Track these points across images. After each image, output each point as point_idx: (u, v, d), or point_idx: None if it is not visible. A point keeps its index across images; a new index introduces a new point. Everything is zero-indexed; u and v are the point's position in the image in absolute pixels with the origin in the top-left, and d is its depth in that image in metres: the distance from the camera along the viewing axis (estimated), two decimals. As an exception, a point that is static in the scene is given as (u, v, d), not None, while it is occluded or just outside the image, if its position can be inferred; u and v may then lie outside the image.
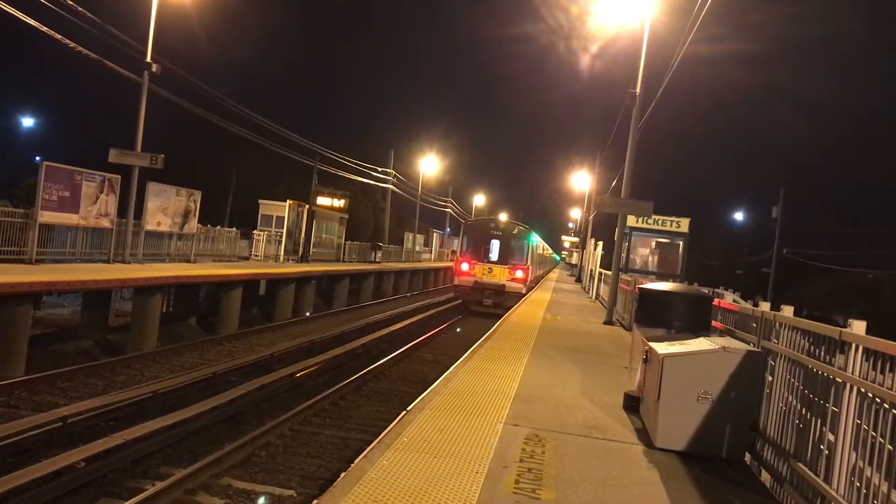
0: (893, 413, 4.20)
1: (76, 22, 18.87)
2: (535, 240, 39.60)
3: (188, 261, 24.51)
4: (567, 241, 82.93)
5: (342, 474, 5.32)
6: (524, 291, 30.75)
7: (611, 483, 5.57)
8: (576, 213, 76.52)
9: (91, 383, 13.00)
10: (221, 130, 31.33)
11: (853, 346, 4.76)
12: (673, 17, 18.19)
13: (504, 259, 31.61)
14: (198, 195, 24.76)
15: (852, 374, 4.74)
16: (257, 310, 26.16)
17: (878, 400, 4.40)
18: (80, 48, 19.28)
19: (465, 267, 31.81)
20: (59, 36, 18.48)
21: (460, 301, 32.79)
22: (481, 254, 31.78)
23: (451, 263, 61.76)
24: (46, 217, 17.88)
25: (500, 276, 31.12)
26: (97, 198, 19.63)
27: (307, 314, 26.99)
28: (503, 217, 59.51)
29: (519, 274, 31.45)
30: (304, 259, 33.82)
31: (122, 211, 21.05)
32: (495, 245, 31.83)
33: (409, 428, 6.56)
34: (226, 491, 8.25)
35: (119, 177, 20.54)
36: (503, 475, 5.46)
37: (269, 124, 32.66)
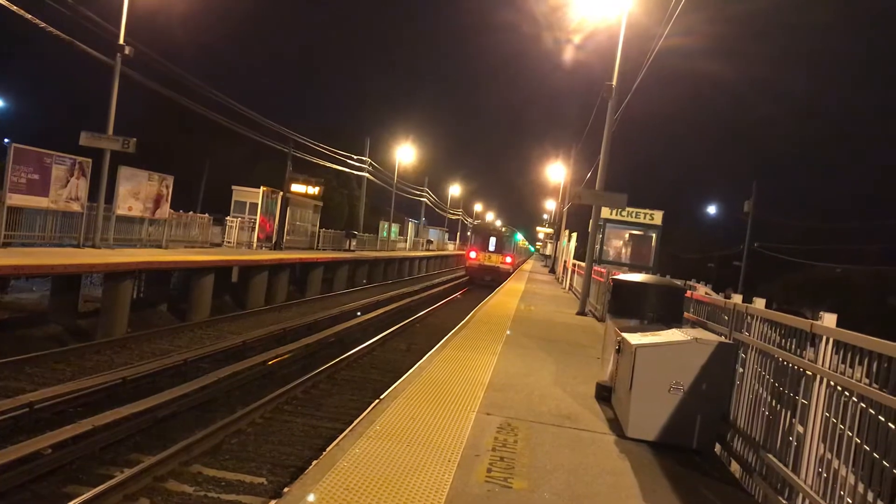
0: (861, 405, 4.25)
1: (47, 1, 18.53)
2: (518, 237, 60.33)
3: (160, 246, 24.26)
4: (542, 232, 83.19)
5: (314, 462, 5.29)
6: (511, 270, 45.43)
7: (582, 472, 5.59)
8: (551, 205, 76.78)
9: (59, 369, 12.82)
10: (195, 115, 31.00)
11: (824, 338, 4.80)
12: (651, 11, 18.26)
13: (498, 250, 46.49)
14: (170, 180, 24.49)
15: (822, 366, 4.78)
16: (229, 297, 25.97)
17: (846, 392, 4.45)
18: (51, 28, 18.93)
19: (473, 255, 47.10)
20: (30, 16, 18.13)
21: (466, 278, 47.89)
22: (483, 246, 46.68)
23: (427, 253, 64.22)
24: (15, 200, 17.60)
25: (496, 261, 46.04)
26: (67, 181, 19.36)
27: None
28: (498, 222, 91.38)
29: (508, 260, 46.88)
30: (277, 246, 33.60)
31: (93, 195, 20.78)
32: (493, 241, 46.80)
33: (382, 416, 6.53)
34: (196, 478, 8.18)
35: (90, 160, 20.26)
36: (475, 464, 5.46)
37: (243, 110, 32.37)
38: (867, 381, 4.24)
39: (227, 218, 32.32)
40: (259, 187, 32.92)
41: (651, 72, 18.68)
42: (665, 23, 16.27)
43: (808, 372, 5.01)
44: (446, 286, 42.68)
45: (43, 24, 18.61)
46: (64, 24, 19.50)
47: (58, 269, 15.79)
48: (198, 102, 29.15)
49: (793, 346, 5.37)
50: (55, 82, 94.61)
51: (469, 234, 58.71)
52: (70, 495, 7.33)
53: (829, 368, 4.71)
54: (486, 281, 43.13)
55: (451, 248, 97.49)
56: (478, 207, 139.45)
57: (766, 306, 6.42)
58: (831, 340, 4.73)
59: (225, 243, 30.72)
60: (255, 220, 32.26)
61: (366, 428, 6.11)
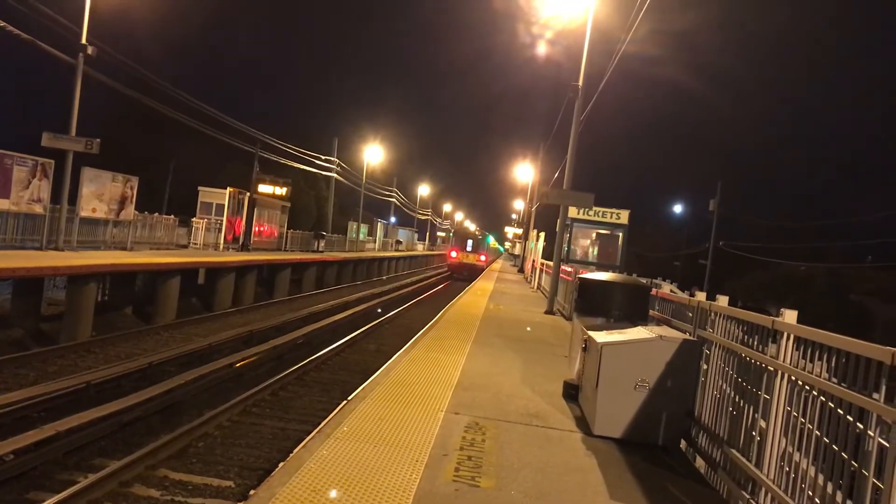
0: (821, 399, 4.33)
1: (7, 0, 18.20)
2: (490, 239, 78.90)
3: (125, 248, 23.96)
4: (510, 231, 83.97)
5: (281, 464, 5.26)
6: (485, 267, 55.32)
7: (550, 470, 5.63)
8: (519, 205, 77.38)
9: (22, 374, 12.59)
10: (160, 116, 30.62)
11: (785, 334, 4.88)
12: (617, 11, 18.41)
13: (475, 250, 56.75)
14: (135, 181, 24.20)
15: (784, 362, 4.86)
16: (196, 299, 25.70)
17: (807, 387, 4.53)
18: (10, 28, 18.59)
19: (454, 254, 57.86)
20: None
21: (436, 278, 54.56)
22: (462, 247, 57.15)
23: (396, 254, 65.24)
24: (-26, 202, 17.28)
25: (472, 259, 55.96)
26: (29, 182, 19.05)
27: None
28: (467, 223, 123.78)
29: (482, 258, 57.10)
30: (244, 248, 33.33)
31: (55, 197, 20.44)
32: (470, 242, 57.52)
33: (350, 417, 6.52)
34: (162, 482, 8.08)
35: (52, 161, 19.95)
36: (443, 463, 5.47)
37: (209, 110, 32.01)
38: (827, 376, 4.32)
39: (194, 219, 31.96)
40: (225, 188, 32.61)
41: (617, 73, 18.86)
42: (630, 23, 16.42)
43: (770, 368, 5.09)
44: (416, 287, 42.65)
45: (2, 24, 18.27)
46: (25, 22, 19.17)
47: (20, 272, 15.51)
48: (163, 103, 28.81)
49: (755, 343, 5.45)
50: (16, 82, 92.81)
51: (451, 236, 75.58)
52: (33, 501, 7.22)
53: (791, 364, 4.79)
54: (465, 276, 50.92)
55: (420, 248, 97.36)
56: (447, 207, 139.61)
57: (731, 304, 6.51)
58: (792, 337, 4.82)
59: (191, 245, 30.39)
60: (222, 221, 31.95)
61: (333, 429, 6.09)
